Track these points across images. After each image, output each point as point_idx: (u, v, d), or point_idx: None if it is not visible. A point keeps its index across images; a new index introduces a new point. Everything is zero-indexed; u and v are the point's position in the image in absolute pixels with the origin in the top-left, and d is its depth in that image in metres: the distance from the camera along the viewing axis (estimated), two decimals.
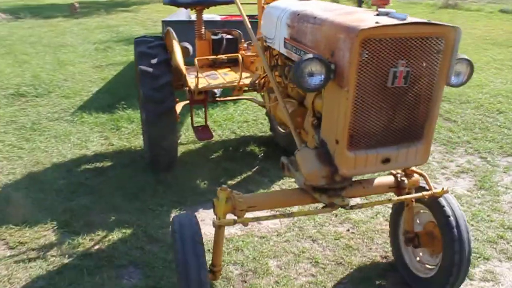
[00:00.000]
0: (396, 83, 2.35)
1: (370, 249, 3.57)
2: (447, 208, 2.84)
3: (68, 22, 15.12)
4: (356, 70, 2.27)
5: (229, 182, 4.55)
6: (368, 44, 2.24)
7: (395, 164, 2.59)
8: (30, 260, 3.38)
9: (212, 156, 5.15)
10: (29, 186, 4.41)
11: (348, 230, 3.80)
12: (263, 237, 3.71)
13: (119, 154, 5.17)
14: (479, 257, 3.46)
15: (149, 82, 4.13)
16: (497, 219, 3.95)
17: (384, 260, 3.45)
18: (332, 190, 2.64)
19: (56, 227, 3.77)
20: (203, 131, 4.83)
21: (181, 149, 5.16)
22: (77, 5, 17.69)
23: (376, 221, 3.93)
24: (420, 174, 2.92)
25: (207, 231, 3.66)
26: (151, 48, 4.32)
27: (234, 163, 4.93)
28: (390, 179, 2.87)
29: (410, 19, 2.29)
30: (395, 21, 2.26)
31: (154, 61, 4.17)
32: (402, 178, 2.84)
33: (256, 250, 3.55)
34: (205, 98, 4.78)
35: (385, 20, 2.27)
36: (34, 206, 4.06)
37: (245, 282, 3.21)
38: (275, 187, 4.48)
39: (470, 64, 2.54)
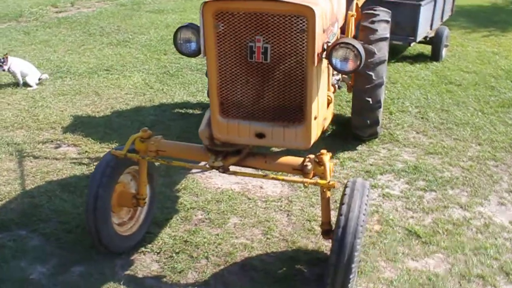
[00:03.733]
0: (255, 58, 2.46)
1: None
2: (345, 197, 2.72)
3: None
4: (215, 41, 2.48)
5: None
6: (222, 16, 2.42)
7: (271, 141, 2.68)
8: None
9: None
10: None
11: None
12: (250, 199, 4.03)
13: None
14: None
15: None
16: None
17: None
18: (218, 153, 2.88)
19: None
20: None
21: None
22: None
23: None
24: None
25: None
26: None
27: None
28: (296, 160, 2.87)
29: None
30: None
31: None
32: (307, 163, 2.82)
33: (232, 206, 3.90)
34: None
35: None
36: None
37: (196, 225, 3.69)
38: None
39: (357, 51, 2.40)
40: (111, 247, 3.21)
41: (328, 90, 3.19)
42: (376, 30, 4.48)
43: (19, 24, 9.65)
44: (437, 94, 6.19)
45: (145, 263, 3.28)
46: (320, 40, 2.43)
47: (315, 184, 2.75)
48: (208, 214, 3.82)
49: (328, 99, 3.13)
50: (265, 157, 2.95)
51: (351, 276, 2.66)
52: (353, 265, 2.63)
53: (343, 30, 4.04)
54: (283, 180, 2.84)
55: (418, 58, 7.64)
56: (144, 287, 3.08)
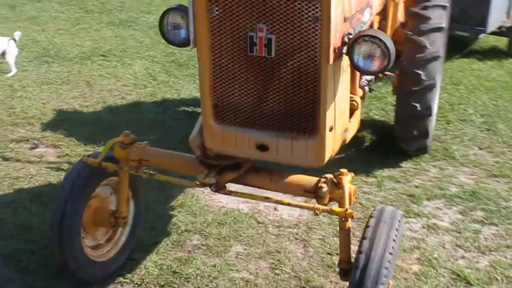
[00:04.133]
0: (256, 51, 2.44)
1: None
2: (368, 230, 2.67)
3: None
4: (208, 28, 2.48)
5: None
6: None
7: (276, 155, 2.64)
8: None
9: None
10: None
11: None
12: (260, 223, 4.02)
13: None
14: None
15: None
16: None
17: None
18: (212, 166, 2.87)
19: None
20: None
21: None
22: None
23: None
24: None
25: None
26: None
27: None
28: (309, 181, 2.81)
29: None
30: None
31: None
32: (322, 185, 2.76)
33: (236, 231, 3.88)
34: None
35: None
36: None
37: (190, 252, 3.69)
38: None
39: (385, 46, 2.36)
40: (81, 274, 3.24)
41: (354, 93, 3.14)
42: (429, 18, 4.39)
43: None
44: (511, 100, 6.04)
45: None
46: (339, 32, 2.39)
47: (329, 212, 2.69)
48: (206, 239, 3.82)
49: (353, 105, 3.08)
50: (270, 174, 2.91)
51: None
52: None
53: (384, 17, 3.98)
54: (289, 204, 2.79)
55: (490, 53, 7.50)
56: None
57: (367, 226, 2.72)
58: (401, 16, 4.20)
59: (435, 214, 4.14)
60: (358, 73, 3.17)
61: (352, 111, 3.09)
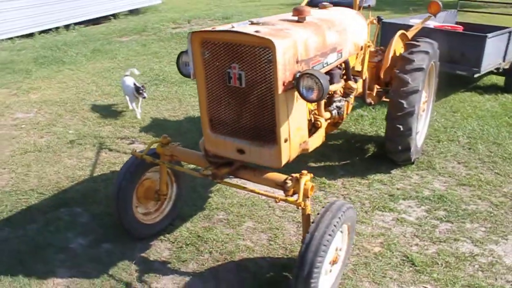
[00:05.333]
0: (232, 82, 2.58)
1: None
2: (317, 217, 2.70)
3: None
4: (202, 66, 2.66)
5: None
6: (207, 45, 2.59)
7: (250, 157, 2.77)
8: None
9: None
10: None
11: None
12: (270, 207, 4.08)
13: None
14: None
15: None
16: None
17: None
18: (212, 163, 3.03)
19: None
20: None
21: None
22: None
23: None
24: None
25: None
26: None
27: None
28: (280, 177, 2.89)
29: (238, 28, 2.46)
30: (227, 28, 2.49)
31: None
32: (288, 181, 2.83)
33: (251, 211, 4.00)
34: None
35: (224, 27, 2.53)
36: None
37: (214, 224, 3.85)
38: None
39: (320, 83, 2.40)
40: (132, 232, 3.52)
41: (320, 115, 3.15)
42: (413, 61, 4.27)
43: (141, 37, 10.70)
44: (496, 126, 5.63)
45: (159, 249, 3.54)
46: (290, 70, 2.47)
47: (285, 201, 2.76)
48: (228, 215, 3.97)
49: (317, 124, 3.10)
50: (254, 170, 3.03)
51: None
52: (312, 281, 2.60)
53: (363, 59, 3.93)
54: (259, 193, 2.88)
55: (490, 89, 7.00)
56: (150, 269, 3.34)
57: (317, 214, 2.76)
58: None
59: (405, 210, 4.02)
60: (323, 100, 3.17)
61: (316, 128, 3.11)
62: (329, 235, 2.64)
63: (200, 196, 4.25)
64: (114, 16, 13.44)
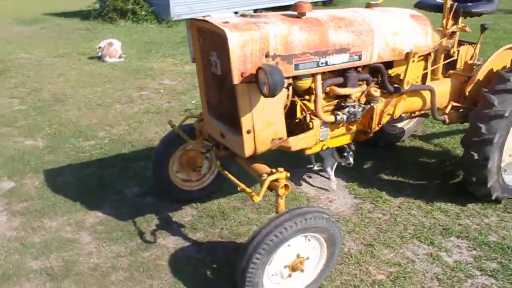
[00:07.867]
0: (212, 69, 2.75)
1: None
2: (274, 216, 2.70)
3: None
4: (199, 52, 2.89)
5: None
6: (200, 33, 2.82)
7: (227, 142, 2.92)
8: None
9: None
10: None
11: None
12: (307, 200, 4.07)
13: None
14: None
15: None
16: None
17: None
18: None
19: None
20: None
21: None
22: None
23: None
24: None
25: None
26: None
27: None
28: (263, 169, 2.89)
29: (212, 18, 2.56)
30: (206, 17, 2.63)
31: None
32: (264, 174, 2.83)
33: (287, 202, 3.98)
34: None
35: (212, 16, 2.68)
36: None
37: (247, 206, 4.02)
38: None
39: (266, 78, 2.38)
40: (167, 194, 3.99)
41: (316, 116, 2.96)
42: (508, 80, 3.57)
43: None
44: None
45: (184, 214, 3.94)
46: (251, 63, 2.47)
47: (244, 190, 2.79)
48: (264, 202, 4.06)
49: (309, 125, 2.94)
50: (248, 158, 3.10)
51: (246, 283, 2.66)
52: (248, 275, 2.63)
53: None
54: (234, 182, 2.90)
55: None
56: (166, 227, 3.75)
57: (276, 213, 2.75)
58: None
59: (449, 249, 3.46)
60: (321, 102, 2.98)
61: (309, 129, 2.98)
62: (275, 236, 2.60)
63: (250, 180, 4.43)
64: None
